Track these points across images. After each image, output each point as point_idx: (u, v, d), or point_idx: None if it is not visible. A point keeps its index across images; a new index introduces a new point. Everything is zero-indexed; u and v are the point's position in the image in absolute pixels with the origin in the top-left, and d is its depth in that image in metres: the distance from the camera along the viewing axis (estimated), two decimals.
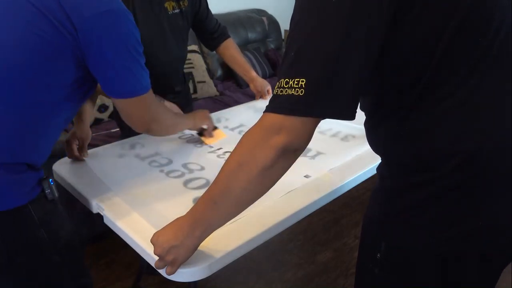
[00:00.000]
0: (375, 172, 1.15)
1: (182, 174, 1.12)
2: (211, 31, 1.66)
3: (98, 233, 1.87)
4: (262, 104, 1.69)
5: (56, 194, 0.89)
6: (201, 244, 0.80)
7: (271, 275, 1.80)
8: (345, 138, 1.33)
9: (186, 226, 0.72)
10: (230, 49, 1.71)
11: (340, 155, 1.21)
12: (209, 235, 0.74)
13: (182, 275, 0.77)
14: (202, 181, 1.07)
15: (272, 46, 3.47)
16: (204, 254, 0.79)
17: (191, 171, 1.14)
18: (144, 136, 1.41)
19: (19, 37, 0.78)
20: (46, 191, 0.86)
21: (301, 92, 0.57)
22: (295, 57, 0.59)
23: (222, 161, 1.20)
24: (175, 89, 1.57)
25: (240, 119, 1.55)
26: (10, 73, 0.78)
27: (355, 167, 1.12)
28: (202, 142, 1.33)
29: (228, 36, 1.71)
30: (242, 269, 1.78)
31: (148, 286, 1.69)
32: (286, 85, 0.58)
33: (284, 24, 3.80)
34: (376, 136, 0.75)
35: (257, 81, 1.72)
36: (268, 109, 0.62)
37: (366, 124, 0.76)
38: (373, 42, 0.59)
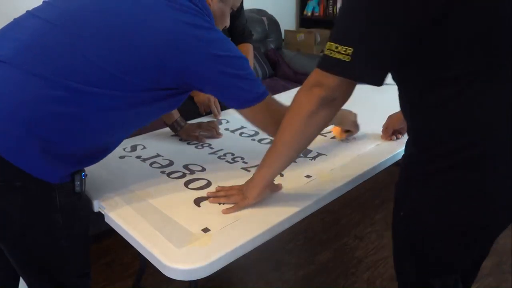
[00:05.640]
0: (375, 172, 1.16)
1: (183, 175, 1.12)
2: (234, 31, 1.67)
3: (98, 233, 1.87)
4: None
5: (84, 188, 0.93)
6: (201, 244, 0.81)
7: (271, 275, 1.80)
8: (346, 139, 1.34)
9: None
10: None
11: (341, 156, 1.21)
12: (269, 174, 0.91)
13: (182, 274, 0.77)
14: (203, 182, 1.08)
15: (272, 46, 3.47)
16: (204, 254, 0.79)
17: (192, 172, 1.14)
18: (145, 138, 1.41)
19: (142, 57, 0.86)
20: (76, 183, 0.91)
21: (348, 58, 0.69)
22: (347, 29, 0.71)
23: (222, 162, 1.22)
24: None
25: (241, 121, 1.54)
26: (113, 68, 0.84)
27: (356, 168, 1.13)
28: (206, 144, 1.34)
29: (248, 41, 1.71)
30: (242, 269, 1.78)
31: (148, 286, 1.69)
32: (335, 49, 0.70)
33: (284, 24, 3.80)
34: (408, 109, 0.84)
35: None
36: (319, 66, 0.75)
37: (404, 96, 0.84)
38: (413, 31, 0.68)
